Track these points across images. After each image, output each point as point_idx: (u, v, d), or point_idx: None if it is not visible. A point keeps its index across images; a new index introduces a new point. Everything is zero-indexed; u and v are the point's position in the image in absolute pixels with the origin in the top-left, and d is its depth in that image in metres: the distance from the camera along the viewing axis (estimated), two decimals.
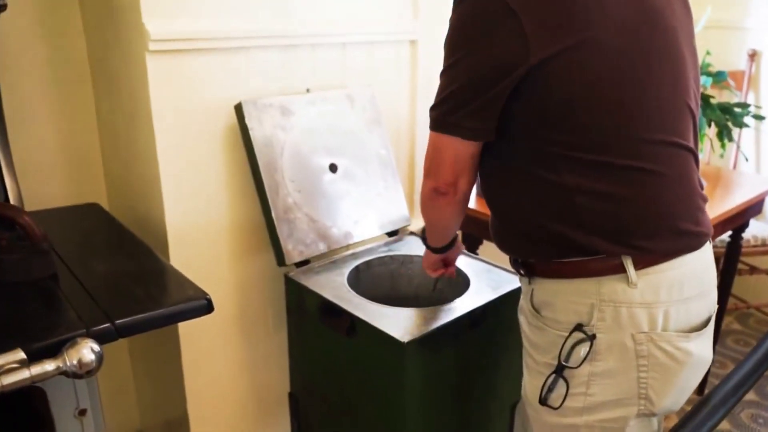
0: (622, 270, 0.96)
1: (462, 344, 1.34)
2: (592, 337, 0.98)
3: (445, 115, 0.99)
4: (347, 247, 1.59)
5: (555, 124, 0.94)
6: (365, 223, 1.61)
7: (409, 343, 1.20)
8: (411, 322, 1.26)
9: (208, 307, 1.10)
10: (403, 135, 1.85)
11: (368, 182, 1.63)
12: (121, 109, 1.52)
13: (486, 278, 1.46)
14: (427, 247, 1.32)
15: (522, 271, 1.11)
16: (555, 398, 1.02)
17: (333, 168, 1.57)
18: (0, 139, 1.33)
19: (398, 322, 1.26)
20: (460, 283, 1.48)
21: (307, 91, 1.57)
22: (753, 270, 2.54)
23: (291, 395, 1.62)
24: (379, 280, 1.56)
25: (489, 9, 0.90)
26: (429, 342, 1.24)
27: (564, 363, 1.00)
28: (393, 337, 1.21)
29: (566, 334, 1.00)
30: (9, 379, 0.87)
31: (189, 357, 1.55)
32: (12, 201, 1.34)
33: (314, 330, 1.45)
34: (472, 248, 1.91)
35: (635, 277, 0.96)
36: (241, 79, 1.47)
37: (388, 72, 1.76)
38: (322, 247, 1.52)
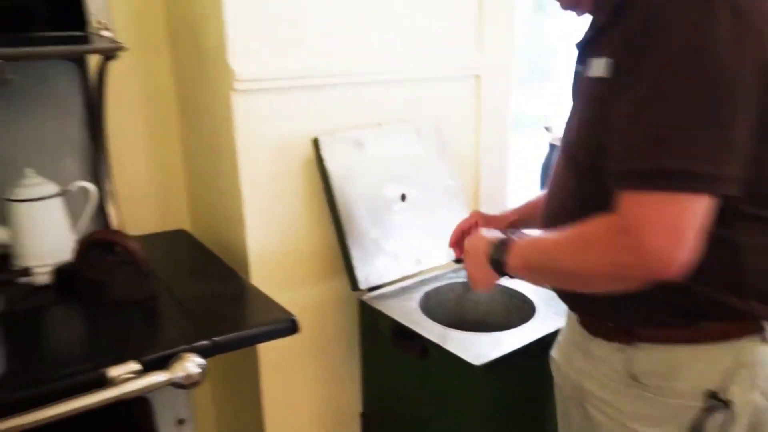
0: (761, 329, 0.90)
1: (531, 370, 1.38)
2: (727, 404, 0.89)
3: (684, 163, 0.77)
4: (417, 273, 1.66)
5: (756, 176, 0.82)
6: (433, 250, 1.68)
7: (482, 366, 1.25)
8: (482, 346, 1.31)
9: (293, 328, 1.18)
10: (468, 166, 1.92)
11: (436, 211, 1.70)
12: (206, 143, 1.64)
13: (552, 306, 1.50)
14: (502, 273, 1.05)
15: (615, 338, 0.98)
16: None
17: (403, 197, 1.64)
18: (106, 171, 1.47)
19: (470, 346, 1.31)
20: (526, 309, 1.52)
21: (379, 125, 1.66)
22: None
23: (363, 415, 1.69)
24: (448, 305, 1.62)
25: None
26: (500, 366, 1.29)
27: None
28: (465, 360, 1.26)
29: (694, 404, 0.90)
30: (127, 388, 0.97)
31: (267, 375, 1.63)
32: (115, 227, 1.47)
33: (387, 352, 1.51)
34: None
35: None
36: (317, 114, 1.57)
37: (454, 105, 1.83)
38: (393, 273, 1.59)
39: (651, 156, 0.78)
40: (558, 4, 1.03)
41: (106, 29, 1.15)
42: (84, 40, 1.14)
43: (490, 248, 1.02)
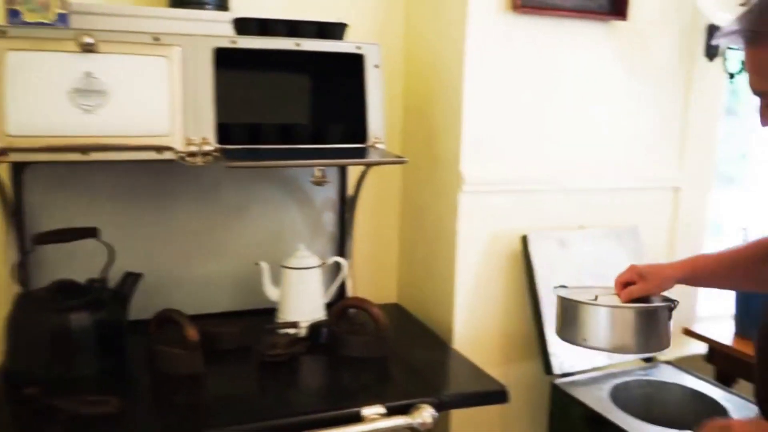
0: None
1: None
2: None
3: None
4: (607, 366, 1.78)
5: None
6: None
7: None
8: None
9: (504, 397, 1.38)
10: None
11: None
12: (424, 234, 1.93)
13: (743, 412, 1.54)
14: None
15: None
16: None
17: (596, 297, 1.79)
18: (349, 249, 1.81)
19: None
20: (716, 414, 1.57)
21: (581, 227, 1.85)
22: None
23: None
24: (637, 400, 1.71)
25: None
26: None
27: None
28: None
29: None
30: (376, 425, 1.22)
31: None
32: (349, 295, 1.80)
33: None
34: (727, 383, 1.95)
35: None
36: (527, 215, 1.81)
37: (651, 213, 1.97)
38: (585, 363, 1.73)
39: None
40: None
41: (381, 143, 1.50)
42: (364, 152, 1.50)
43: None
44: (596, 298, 1.27)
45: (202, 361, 1.38)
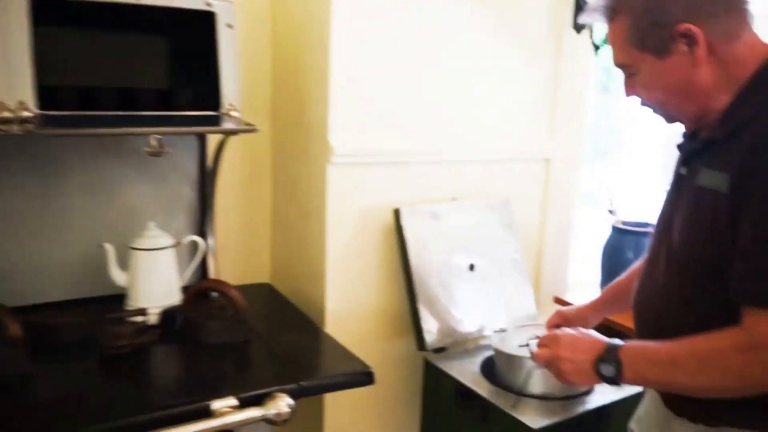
0: None
1: None
2: None
3: None
4: (480, 338, 1.77)
5: None
6: (497, 318, 1.79)
7: (540, 429, 1.33)
8: (542, 412, 1.40)
9: (370, 379, 1.32)
10: (533, 242, 2.03)
11: (501, 283, 1.82)
12: (296, 207, 1.83)
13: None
14: (609, 379, 1.04)
15: (700, 420, 1.04)
16: None
17: (472, 267, 1.77)
18: (211, 229, 1.67)
19: (530, 411, 1.40)
20: None
21: (453, 199, 1.81)
22: None
23: None
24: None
25: None
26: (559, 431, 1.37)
27: None
28: (525, 423, 1.35)
29: None
30: (227, 420, 1.12)
31: (330, 427, 1.75)
32: (212, 276, 1.66)
33: (448, 413, 1.61)
34: None
35: None
36: (399, 187, 1.74)
37: (523, 185, 1.98)
38: (458, 337, 1.71)
39: None
40: (663, 118, 1.09)
41: (236, 111, 1.36)
42: (217, 119, 1.36)
43: (597, 363, 1.03)
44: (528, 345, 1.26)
45: (27, 360, 1.21)
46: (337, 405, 1.74)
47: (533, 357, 1.17)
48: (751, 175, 0.90)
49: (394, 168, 1.73)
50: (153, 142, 1.17)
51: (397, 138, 1.72)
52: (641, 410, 1.25)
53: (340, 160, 1.63)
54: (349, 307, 1.74)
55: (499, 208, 1.87)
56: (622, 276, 1.37)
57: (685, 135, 1.11)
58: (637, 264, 1.33)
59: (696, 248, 0.99)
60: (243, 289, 1.82)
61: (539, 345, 1.15)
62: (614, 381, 1.03)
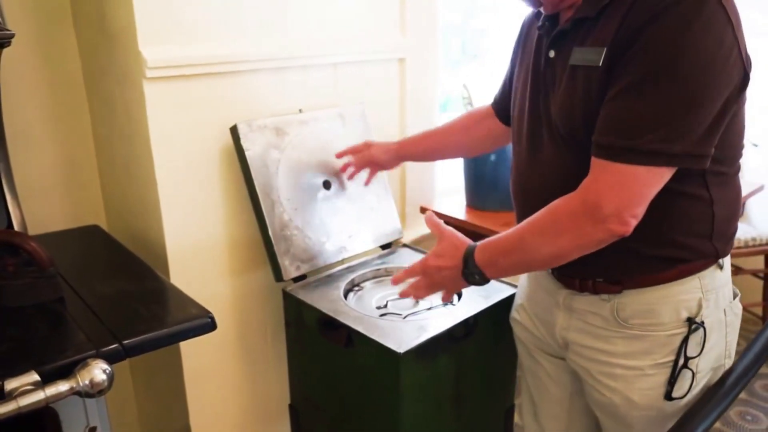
0: (717, 259, 1.08)
1: (456, 353, 1.39)
2: (701, 324, 1.07)
3: (662, 143, 0.91)
4: (342, 261, 1.64)
5: (721, 142, 0.97)
6: (359, 237, 1.66)
7: (405, 353, 1.24)
8: (406, 333, 1.31)
9: (211, 326, 1.14)
10: None
11: (361, 197, 1.68)
12: (119, 132, 1.56)
13: (476, 288, 1.51)
14: (477, 282, 1.11)
15: (602, 290, 1.10)
16: (678, 389, 1.09)
17: (327, 185, 1.61)
18: (3, 165, 1.37)
19: (394, 333, 1.31)
20: None
21: (300, 111, 1.62)
22: (738, 270, 2.61)
23: (291, 407, 1.67)
24: (374, 292, 1.61)
25: (725, 37, 0.90)
26: (424, 351, 1.29)
27: (688, 356, 1.07)
28: (389, 348, 1.26)
29: (677, 331, 1.07)
30: (25, 401, 0.91)
31: (190, 372, 1.59)
32: (16, 226, 1.38)
33: (313, 343, 1.49)
34: None
35: (723, 262, 1.09)
36: (235, 101, 1.52)
37: (378, 89, 1.81)
38: (318, 262, 1.57)
39: (628, 135, 0.92)
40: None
41: None
42: None
43: (462, 271, 1.09)
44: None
45: None
46: (195, 347, 1.57)
47: (409, 296, 1.19)
48: (627, 45, 0.92)
49: (228, 79, 1.50)
50: None
51: (227, 43, 1.48)
52: (523, 300, 1.31)
53: (157, 73, 1.37)
54: (194, 243, 1.54)
55: (353, 116, 1.70)
56: (450, 121, 1.51)
57: (544, 19, 1.09)
58: (456, 120, 1.50)
59: (575, 123, 1.01)
60: (63, 235, 1.57)
61: (403, 279, 1.18)
62: (483, 282, 1.10)
